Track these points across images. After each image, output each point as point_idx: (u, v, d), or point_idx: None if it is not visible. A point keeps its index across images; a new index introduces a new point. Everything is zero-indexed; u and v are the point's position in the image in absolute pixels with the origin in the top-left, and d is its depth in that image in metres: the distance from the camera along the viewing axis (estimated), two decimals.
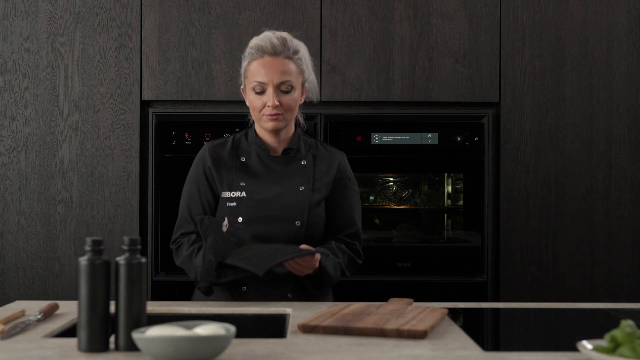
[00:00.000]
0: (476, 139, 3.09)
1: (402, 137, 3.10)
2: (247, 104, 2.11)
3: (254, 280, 1.98)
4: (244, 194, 2.05)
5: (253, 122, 2.16)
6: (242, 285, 2.03)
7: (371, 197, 3.24)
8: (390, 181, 3.24)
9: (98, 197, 3.07)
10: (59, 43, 3.08)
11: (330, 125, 3.07)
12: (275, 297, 2.02)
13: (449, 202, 3.21)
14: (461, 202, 3.14)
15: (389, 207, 3.22)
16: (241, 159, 2.10)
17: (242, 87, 2.13)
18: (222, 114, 3.08)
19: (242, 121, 3.09)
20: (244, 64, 2.08)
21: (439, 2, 3.11)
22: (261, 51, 2.03)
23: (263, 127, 2.08)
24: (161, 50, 3.09)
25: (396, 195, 3.23)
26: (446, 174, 3.21)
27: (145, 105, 3.11)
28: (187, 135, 3.06)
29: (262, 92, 2.03)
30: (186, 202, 2.12)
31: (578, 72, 3.13)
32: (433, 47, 3.11)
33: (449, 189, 3.22)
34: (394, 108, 3.13)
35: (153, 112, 3.07)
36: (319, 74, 3.09)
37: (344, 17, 3.10)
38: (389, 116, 3.10)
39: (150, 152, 3.06)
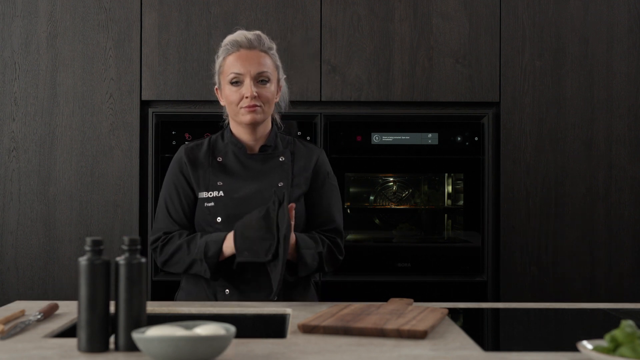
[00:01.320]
0: (476, 139, 3.09)
1: (402, 137, 3.10)
2: (223, 102, 2.11)
3: (237, 282, 2.00)
4: (221, 193, 2.04)
5: (228, 123, 2.15)
6: (225, 287, 2.02)
7: (371, 197, 3.24)
8: (390, 181, 3.24)
9: (98, 197, 3.07)
10: (58, 43, 3.08)
11: (330, 125, 3.07)
12: (258, 300, 2.00)
13: (449, 202, 3.21)
14: (461, 202, 3.14)
15: (389, 207, 3.22)
16: (218, 159, 2.09)
17: (216, 87, 2.12)
18: (221, 114, 3.07)
19: None
20: (219, 60, 2.08)
21: (439, 2, 3.11)
22: (237, 45, 2.04)
23: (241, 121, 2.05)
24: (161, 50, 3.09)
25: (396, 195, 3.23)
26: (446, 174, 3.21)
27: (145, 105, 3.11)
28: (187, 135, 3.06)
29: (239, 84, 2.02)
30: (164, 204, 2.08)
31: (578, 72, 3.13)
32: (433, 47, 3.11)
33: (449, 189, 3.22)
34: (394, 108, 3.13)
35: (153, 112, 3.07)
36: (319, 74, 3.09)
37: (344, 17, 3.10)
38: (389, 116, 3.10)
39: (150, 152, 3.06)
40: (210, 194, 2.04)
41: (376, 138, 3.09)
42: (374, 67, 3.10)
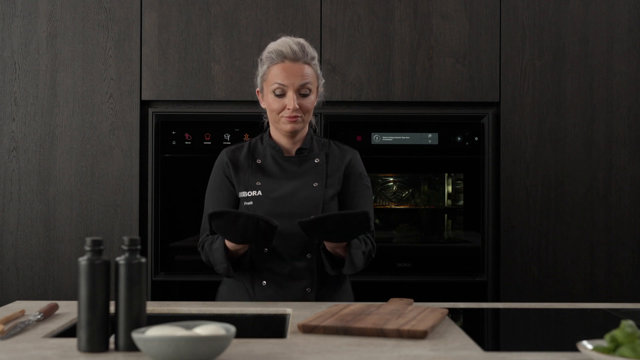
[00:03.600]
0: (476, 139, 3.09)
1: (402, 137, 3.10)
2: (264, 106, 2.18)
3: (273, 274, 2.09)
4: (259, 192, 2.12)
5: (267, 125, 2.22)
6: (263, 279, 2.10)
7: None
8: (390, 181, 3.24)
9: (98, 197, 3.07)
10: (58, 43, 3.08)
11: (331, 125, 3.07)
12: (294, 291, 2.09)
13: (449, 202, 3.21)
14: (461, 202, 3.14)
15: (389, 207, 3.22)
16: (257, 161, 2.17)
17: (257, 89, 2.19)
18: (222, 114, 3.08)
19: (241, 121, 3.09)
20: (263, 68, 2.13)
21: (439, 2, 3.11)
22: (282, 56, 2.09)
23: (281, 129, 2.13)
24: (161, 50, 3.09)
25: (396, 195, 3.23)
26: (446, 174, 3.21)
27: (145, 105, 3.11)
28: (187, 135, 3.06)
29: (282, 95, 2.09)
30: (210, 205, 2.17)
31: (578, 72, 3.13)
32: (433, 47, 3.11)
33: (449, 189, 3.22)
34: (394, 108, 3.13)
35: (153, 112, 3.07)
36: None
37: (344, 17, 3.10)
38: (389, 116, 3.10)
39: (150, 152, 3.06)
40: (250, 194, 2.12)
41: (376, 138, 3.09)
42: (374, 67, 3.10)
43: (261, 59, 2.15)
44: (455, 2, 3.11)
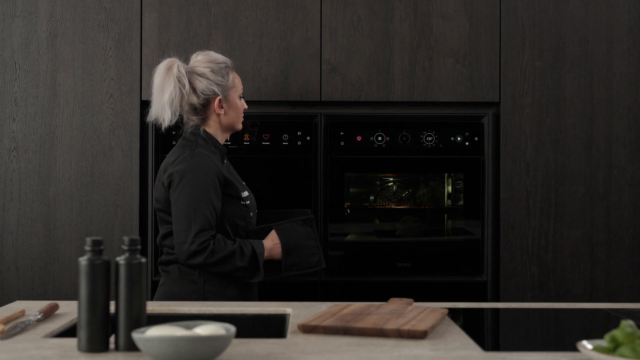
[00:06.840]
0: (476, 139, 3.09)
1: (402, 137, 3.10)
2: (221, 111, 2.35)
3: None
4: (246, 191, 2.36)
5: (198, 128, 2.37)
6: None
7: (371, 197, 3.24)
8: (390, 181, 3.24)
9: (98, 197, 3.07)
10: (59, 43, 3.08)
11: (330, 125, 3.07)
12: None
13: (449, 202, 3.21)
14: (461, 202, 3.14)
15: (389, 207, 3.22)
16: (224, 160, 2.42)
17: (219, 97, 2.36)
18: None
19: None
20: (230, 77, 2.36)
21: (439, 2, 3.11)
22: (231, 65, 2.40)
23: (238, 128, 2.43)
24: (161, 50, 3.08)
25: (396, 195, 3.23)
26: (446, 174, 3.21)
27: (145, 105, 3.11)
28: None
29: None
30: (209, 208, 2.22)
31: (578, 72, 3.13)
32: (433, 47, 3.11)
33: (449, 189, 3.22)
34: (394, 108, 3.13)
35: None
36: (319, 74, 3.08)
37: (344, 17, 3.10)
38: (389, 116, 3.10)
39: (150, 152, 3.07)
40: (247, 193, 2.34)
41: (376, 138, 3.09)
42: (374, 67, 3.10)
43: (222, 69, 2.34)
44: (455, 2, 3.11)
